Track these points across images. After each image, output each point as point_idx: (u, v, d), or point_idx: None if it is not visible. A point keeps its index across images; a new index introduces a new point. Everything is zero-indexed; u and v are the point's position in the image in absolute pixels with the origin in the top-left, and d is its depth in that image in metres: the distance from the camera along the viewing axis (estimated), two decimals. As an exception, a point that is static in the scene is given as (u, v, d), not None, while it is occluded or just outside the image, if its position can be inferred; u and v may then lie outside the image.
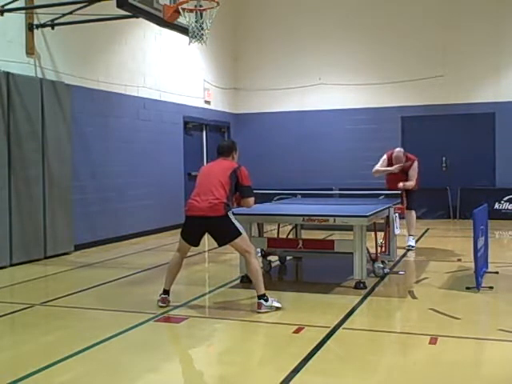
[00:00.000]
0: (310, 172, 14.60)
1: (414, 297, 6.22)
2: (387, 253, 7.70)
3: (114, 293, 6.65)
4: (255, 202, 6.07)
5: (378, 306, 6.03)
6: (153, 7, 7.99)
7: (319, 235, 8.58)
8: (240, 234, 5.65)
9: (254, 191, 8.16)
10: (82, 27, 9.35)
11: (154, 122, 11.95)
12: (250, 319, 5.44)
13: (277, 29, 15.01)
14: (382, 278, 7.09)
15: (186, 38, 8.00)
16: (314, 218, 6.48)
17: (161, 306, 5.77)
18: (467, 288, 6.32)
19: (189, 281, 7.55)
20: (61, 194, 9.18)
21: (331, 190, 13.11)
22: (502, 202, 13.43)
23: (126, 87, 11.10)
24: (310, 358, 4.30)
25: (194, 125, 13.61)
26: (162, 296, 5.84)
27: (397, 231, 7.72)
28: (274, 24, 15.06)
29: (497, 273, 7.07)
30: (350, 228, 6.56)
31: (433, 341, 4.66)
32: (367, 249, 6.64)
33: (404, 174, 9.26)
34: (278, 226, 8.12)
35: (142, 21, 9.44)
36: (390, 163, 9.39)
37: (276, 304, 5.65)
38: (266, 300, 5.61)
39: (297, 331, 4.97)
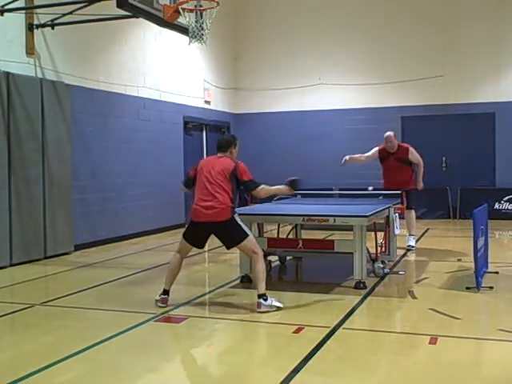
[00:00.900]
0: (309, 172, 14.54)
1: (413, 297, 6.22)
2: (387, 253, 7.70)
3: (114, 293, 6.65)
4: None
5: (377, 306, 6.03)
6: (153, 7, 7.99)
7: (319, 235, 8.58)
8: (247, 235, 5.72)
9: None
10: (82, 27, 9.35)
11: (154, 121, 11.95)
12: (250, 319, 5.44)
13: (277, 29, 15.01)
14: (382, 278, 7.09)
15: (186, 38, 8.00)
16: (314, 218, 6.48)
17: (160, 307, 5.76)
18: (467, 288, 6.32)
19: (189, 281, 7.54)
20: (61, 193, 9.18)
21: (331, 190, 13.10)
22: (502, 202, 13.43)
23: (126, 87, 11.10)
24: (310, 358, 4.30)
25: (194, 125, 13.61)
26: (162, 296, 5.83)
27: (397, 231, 7.72)
28: (274, 24, 15.06)
29: (497, 273, 7.07)
30: (349, 228, 6.56)
31: (433, 341, 4.66)
32: (367, 249, 6.64)
33: (401, 163, 9.17)
34: (278, 226, 8.12)
35: (141, 21, 9.43)
36: (381, 157, 9.35)
37: (276, 303, 5.65)
38: (266, 299, 5.62)
39: (297, 331, 4.97)
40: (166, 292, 5.85)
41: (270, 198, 8.68)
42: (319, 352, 4.44)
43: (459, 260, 8.24)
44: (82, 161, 9.90)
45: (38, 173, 8.78)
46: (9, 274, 7.98)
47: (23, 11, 8.67)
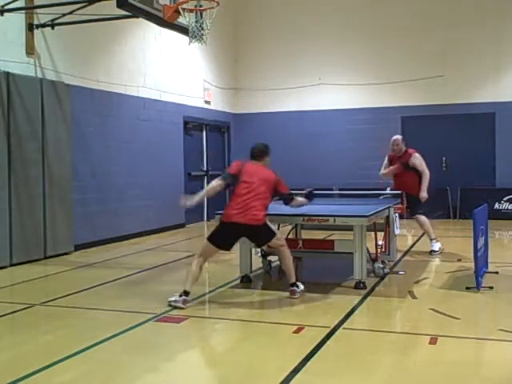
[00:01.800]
0: (309, 172, 14.58)
1: (414, 297, 6.22)
2: (387, 253, 7.70)
3: (114, 293, 6.65)
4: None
5: (377, 306, 6.03)
6: (153, 7, 7.99)
7: (319, 235, 8.58)
8: (275, 234, 6.15)
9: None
10: (82, 27, 9.35)
11: (154, 121, 11.95)
12: (250, 319, 5.44)
13: (277, 29, 15.01)
14: (382, 278, 7.09)
15: (186, 38, 8.00)
16: (314, 218, 6.48)
17: (180, 308, 5.70)
18: (467, 288, 6.32)
19: (189, 281, 7.55)
20: (61, 194, 9.18)
21: (331, 190, 13.10)
22: (502, 202, 13.43)
23: (126, 87, 11.10)
24: (310, 358, 4.30)
25: (194, 125, 13.61)
26: (184, 297, 5.79)
27: (397, 231, 7.72)
28: (274, 24, 15.06)
29: (497, 273, 7.07)
30: (350, 228, 6.56)
31: (433, 341, 4.66)
32: (367, 249, 6.64)
33: (407, 169, 8.96)
34: (278, 226, 8.11)
35: (141, 21, 9.43)
36: (391, 160, 9.21)
37: (302, 287, 6.21)
38: (298, 286, 6.15)
39: (297, 331, 4.97)
40: (186, 293, 5.82)
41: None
42: (319, 352, 4.44)
43: (459, 260, 8.23)
44: (82, 161, 9.89)
45: (37, 173, 8.78)
46: (9, 274, 7.98)
47: (23, 11, 8.66)
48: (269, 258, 7.72)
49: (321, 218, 6.43)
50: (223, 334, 5.27)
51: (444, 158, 14.08)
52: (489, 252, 7.38)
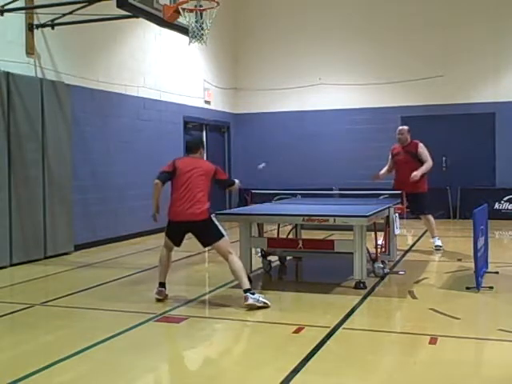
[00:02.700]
0: (309, 172, 14.59)
1: (414, 297, 6.22)
2: (387, 253, 7.70)
3: (114, 293, 6.65)
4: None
5: (377, 306, 6.03)
6: (153, 7, 7.99)
7: (319, 235, 8.58)
8: (223, 236, 5.93)
9: (254, 191, 8.27)
10: (82, 27, 9.35)
11: (154, 121, 11.95)
12: (250, 319, 5.44)
13: (277, 29, 15.01)
14: (382, 278, 7.09)
15: (186, 38, 8.00)
16: (314, 218, 6.48)
17: (158, 300, 6.01)
18: (467, 288, 6.32)
19: (189, 281, 7.56)
20: (61, 193, 9.18)
21: (331, 190, 13.11)
22: (502, 202, 13.43)
23: (126, 87, 11.10)
24: (310, 358, 4.30)
25: (194, 125, 13.61)
26: (159, 289, 6.10)
27: (397, 231, 7.72)
28: (274, 24, 15.06)
29: (497, 273, 7.07)
30: (350, 228, 6.56)
31: (433, 341, 4.66)
32: (367, 249, 6.64)
33: (410, 158, 9.04)
34: (278, 226, 8.12)
35: (142, 21, 9.43)
36: (394, 153, 9.30)
37: (264, 300, 5.74)
38: (253, 293, 5.76)
39: (297, 331, 4.97)
40: (161, 284, 6.13)
41: (269, 198, 8.70)
42: (319, 352, 4.44)
43: (459, 260, 8.23)
44: (82, 161, 9.89)
45: (38, 173, 8.78)
46: (9, 274, 7.98)
47: (23, 11, 8.67)
48: (269, 258, 7.72)
49: (321, 218, 6.43)
50: (223, 333, 5.27)
51: (444, 158, 14.07)
52: (489, 252, 7.38)
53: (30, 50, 8.89)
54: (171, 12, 7.87)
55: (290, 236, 8.10)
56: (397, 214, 7.66)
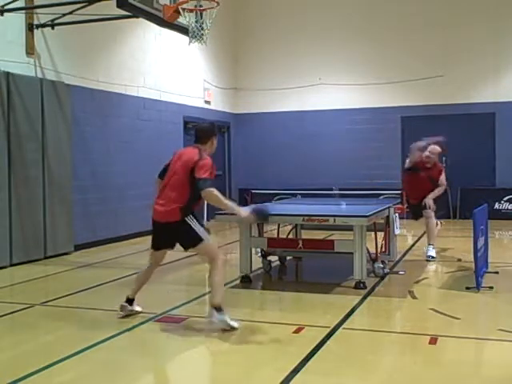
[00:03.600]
0: (310, 172, 14.59)
1: (414, 297, 6.22)
2: (387, 253, 7.70)
3: (114, 293, 6.64)
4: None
5: (377, 306, 6.03)
6: (153, 7, 7.99)
7: (319, 235, 8.58)
8: (201, 240, 5.10)
9: (254, 191, 8.17)
10: (82, 27, 9.35)
11: (154, 121, 11.95)
12: (250, 319, 5.44)
13: (277, 29, 15.01)
14: (382, 277, 7.09)
15: (186, 38, 8.00)
16: (314, 218, 6.48)
17: (119, 316, 5.41)
18: (467, 288, 6.32)
19: (189, 281, 7.56)
20: (61, 193, 9.18)
21: (331, 190, 13.11)
22: (502, 202, 13.43)
23: (126, 87, 11.10)
24: (310, 358, 4.30)
25: (194, 125, 13.56)
26: (122, 304, 5.45)
27: (397, 231, 7.72)
28: (274, 24, 15.06)
29: (497, 273, 7.07)
30: (350, 228, 6.56)
31: (433, 341, 4.66)
32: (367, 249, 6.64)
33: (429, 182, 8.64)
34: (278, 226, 8.11)
35: (142, 21, 9.43)
36: (414, 167, 8.66)
37: (232, 323, 5.02)
38: (222, 313, 5.01)
39: (297, 331, 4.97)
40: (128, 300, 5.48)
41: (269, 198, 8.69)
42: (319, 352, 4.44)
43: (459, 260, 8.24)
44: (82, 161, 9.89)
45: (38, 173, 8.78)
46: (9, 274, 7.97)
47: (23, 11, 8.66)
48: (269, 258, 7.72)
49: (321, 218, 6.43)
50: (223, 334, 5.26)
51: (444, 158, 14.03)
52: (489, 252, 7.38)
53: (30, 50, 8.89)
54: (171, 12, 7.87)
55: (290, 236, 8.10)
56: (397, 214, 7.66)
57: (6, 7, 8.31)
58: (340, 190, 12.70)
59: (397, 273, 7.46)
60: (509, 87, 13.59)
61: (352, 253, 6.44)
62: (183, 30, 8.10)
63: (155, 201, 5.24)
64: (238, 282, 6.97)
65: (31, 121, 8.68)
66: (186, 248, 5.27)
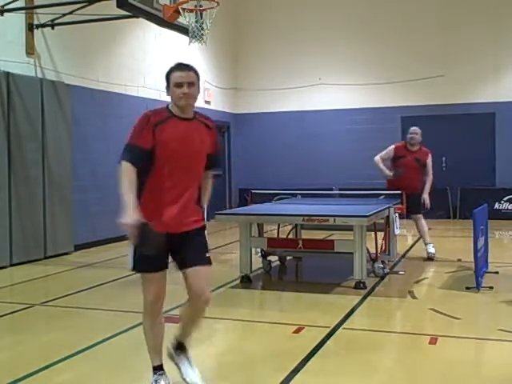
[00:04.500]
0: (310, 172, 14.59)
1: (414, 297, 6.22)
2: (387, 253, 7.70)
3: (113, 293, 6.64)
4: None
5: (377, 306, 6.03)
6: (153, 7, 7.99)
7: (319, 235, 8.58)
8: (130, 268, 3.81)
9: (254, 191, 8.15)
10: (82, 27, 9.35)
11: (154, 122, 11.92)
12: (250, 319, 5.44)
13: (277, 29, 15.01)
14: (382, 278, 7.09)
15: (186, 38, 8.00)
16: (314, 218, 6.48)
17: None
18: (467, 288, 6.32)
19: (189, 281, 7.54)
20: (61, 194, 9.18)
21: (331, 190, 13.11)
22: (502, 202, 13.43)
23: (126, 87, 11.10)
24: (310, 358, 4.30)
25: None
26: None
27: (397, 231, 7.72)
28: (274, 24, 15.06)
29: (497, 273, 7.07)
30: (350, 228, 6.56)
31: (433, 341, 4.66)
32: (367, 249, 6.64)
33: (417, 165, 8.58)
34: (278, 226, 8.11)
35: (142, 21, 9.43)
36: (399, 155, 8.66)
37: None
38: (154, 373, 3.67)
39: (297, 331, 4.97)
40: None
41: (269, 198, 8.69)
42: (319, 352, 4.44)
43: (459, 260, 8.23)
44: (82, 161, 9.89)
45: (38, 173, 8.78)
46: (9, 274, 7.97)
47: (23, 11, 8.67)
48: (269, 258, 7.72)
49: (321, 217, 6.43)
50: (223, 333, 5.27)
51: (444, 158, 14.07)
52: (489, 252, 7.38)
53: (30, 50, 8.89)
54: (171, 12, 7.87)
55: (290, 236, 8.10)
56: (397, 214, 7.66)
57: (5, 7, 8.31)
58: (340, 189, 12.69)
59: (397, 273, 7.46)
60: (509, 87, 13.59)
61: (352, 253, 6.44)
62: (183, 29, 8.11)
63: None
64: (238, 281, 6.98)
65: (31, 121, 8.68)
66: None
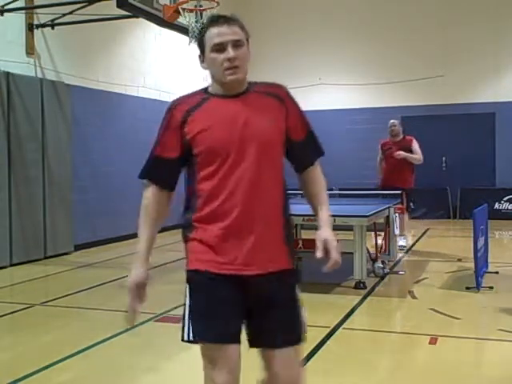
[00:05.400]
0: (309, 172, 14.58)
1: (414, 297, 6.22)
2: (387, 253, 7.70)
3: (113, 293, 6.64)
4: None
5: (377, 305, 6.03)
6: (153, 7, 7.99)
7: (319, 235, 8.56)
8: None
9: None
10: (82, 27, 9.35)
11: (154, 122, 11.89)
12: (250, 319, 5.43)
13: (277, 29, 15.01)
14: (382, 277, 7.09)
15: (185, 38, 8.00)
16: (314, 217, 6.45)
17: None
18: (467, 288, 6.32)
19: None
20: (61, 194, 9.18)
21: (331, 189, 13.10)
22: (502, 202, 13.42)
23: (126, 87, 11.10)
24: (310, 357, 4.30)
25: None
26: None
27: (397, 231, 7.72)
28: (274, 24, 15.05)
29: (497, 273, 7.07)
30: (350, 228, 6.56)
31: (433, 341, 4.66)
32: (367, 249, 6.64)
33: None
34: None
35: (142, 21, 9.43)
36: (385, 149, 9.10)
37: None
38: None
39: (297, 331, 4.96)
40: None
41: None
42: (319, 352, 4.44)
43: (459, 260, 8.23)
44: (82, 161, 9.89)
45: (38, 173, 8.78)
46: (9, 274, 7.97)
47: (23, 11, 8.67)
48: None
49: (321, 218, 6.40)
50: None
51: (444, 158, 14.07)
52: (489, 252, 7.37)
53: (30, 50, 8.89)
54: (171, 12, 7.87)
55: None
56: (397, 214, 7.66)
57: (5, 7, 8.32)
58: (340, 189, 12.69)
59: (397, 273, 7.46)
60: (509, 87, 13.59)
61: (352, 253, 6.43)
62: (183, 29, 8.10)
63: None
64: (237, 281, 6.97)
65: (31, 121, 8.68)
66: None
